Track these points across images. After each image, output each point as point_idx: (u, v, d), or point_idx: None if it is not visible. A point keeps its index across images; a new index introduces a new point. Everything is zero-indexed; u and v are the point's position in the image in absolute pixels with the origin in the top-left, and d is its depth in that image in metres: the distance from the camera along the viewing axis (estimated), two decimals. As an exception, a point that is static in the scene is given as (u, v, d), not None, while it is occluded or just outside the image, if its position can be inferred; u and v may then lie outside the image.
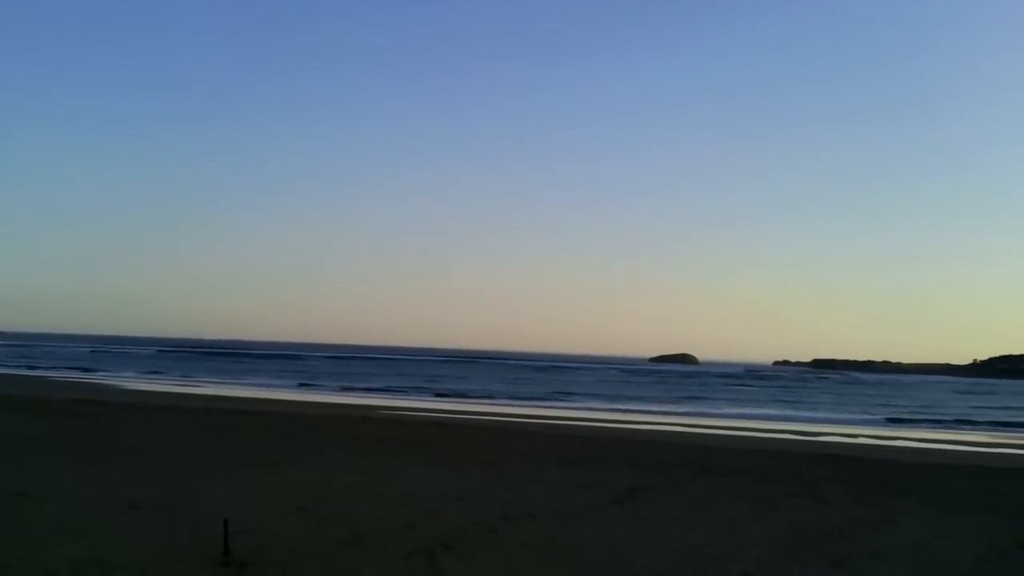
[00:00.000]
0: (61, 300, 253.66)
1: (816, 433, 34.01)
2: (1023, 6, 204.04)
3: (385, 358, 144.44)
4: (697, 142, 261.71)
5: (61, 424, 21.62)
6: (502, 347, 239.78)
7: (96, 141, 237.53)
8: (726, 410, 50.30)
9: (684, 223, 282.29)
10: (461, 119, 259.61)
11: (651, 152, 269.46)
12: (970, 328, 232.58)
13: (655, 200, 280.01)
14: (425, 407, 41.29)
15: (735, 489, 14.93)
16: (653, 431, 31.73)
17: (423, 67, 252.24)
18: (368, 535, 9.54)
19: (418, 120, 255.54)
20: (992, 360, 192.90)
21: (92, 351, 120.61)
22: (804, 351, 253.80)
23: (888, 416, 48.28)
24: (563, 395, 58.99)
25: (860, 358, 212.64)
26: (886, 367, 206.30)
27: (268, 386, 57.48)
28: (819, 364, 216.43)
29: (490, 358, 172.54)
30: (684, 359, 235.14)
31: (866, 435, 34.15)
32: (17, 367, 68.83)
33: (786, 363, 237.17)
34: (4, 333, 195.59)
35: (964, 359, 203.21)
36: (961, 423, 45.69)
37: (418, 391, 57.74)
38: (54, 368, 70.18)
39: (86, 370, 69.05)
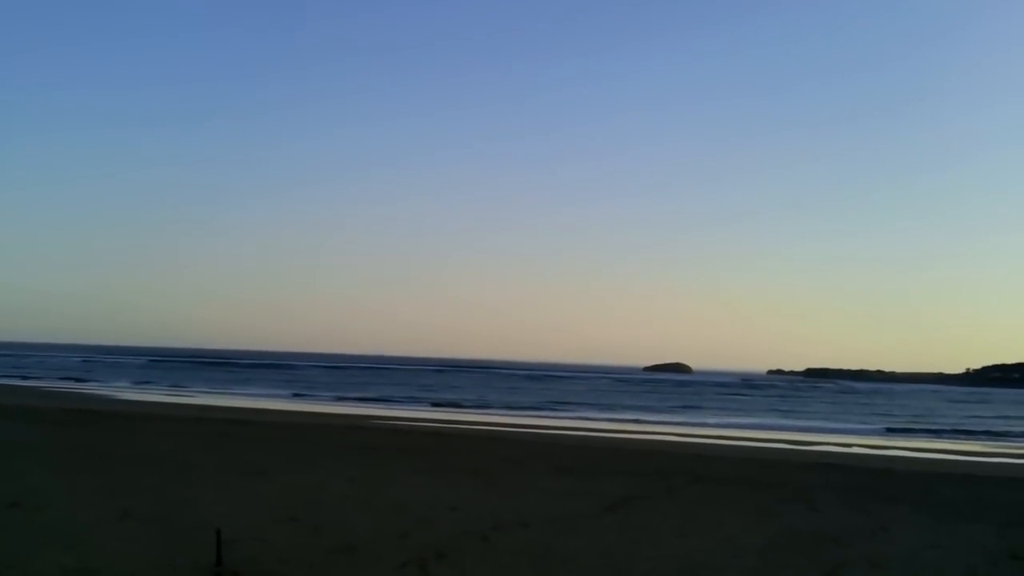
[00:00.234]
0: (50, 309, 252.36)
1: (809, 442, 34.03)
2: (1019, 4, 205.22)
3: (377, 367, 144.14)
4: (690, 146, 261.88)
5: (53, 433, 21.54)
6: (494, 356, 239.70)
7: (87, 144, 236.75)
8: (723, 419, 50.22)
9: (677, 231, 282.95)
10: (453, 124, 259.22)
11: (646, 156, 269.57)
12: (962, 338, 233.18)
13: (648, 207, 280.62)
14: (418, 416, 41.22)
15: (729, 497, 14.95)
16: (647, 440, 31.73)
17: (416, 67, 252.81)
18: (361, 544, 9.52)
19: (410, 124, 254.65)
20: (985, 369, 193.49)
21: (83, 360, 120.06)
22: (797, 360, 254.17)
23: (887, 426, 48.25)
24: (557, 404, 58.85)
25: (853, 367, 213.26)
26: (879, 376, 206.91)
27: (260, 395, 57.30)
28: (812, 373, 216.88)
29: (482, 367, 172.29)
30: (677, 368, 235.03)
31: (861, 444, 34.20)
32: (8, 376, 68.51)
33: (779, 372, 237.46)
34: None
35: (957, 368, 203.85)
36: (958, 433, 45.64)
37: (411, 400, 57.65)
38: (45, 377, 69.84)
39: (78, 380, 68.78)
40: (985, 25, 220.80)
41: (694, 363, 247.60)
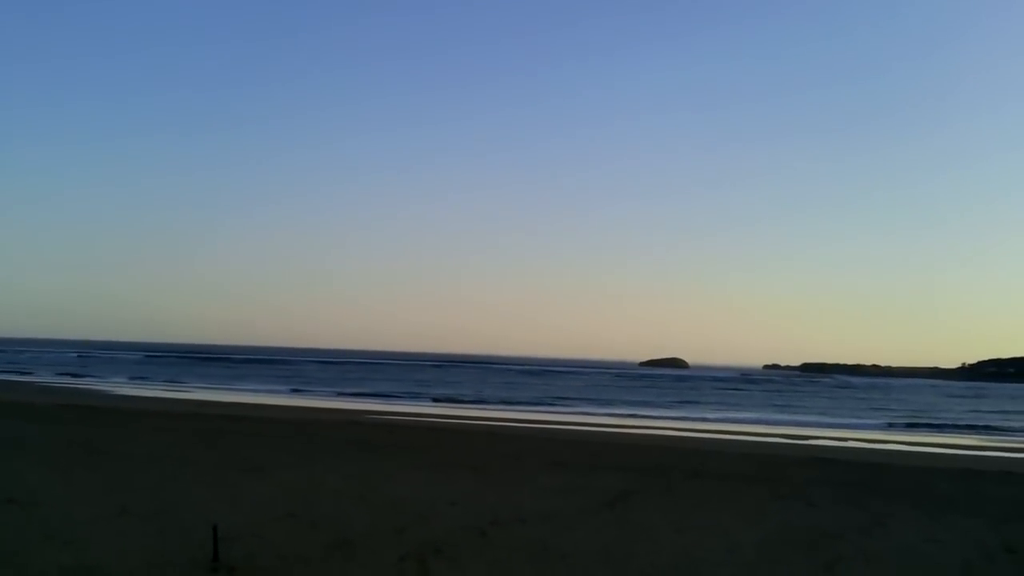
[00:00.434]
0: (46, 305, 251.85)
1: (806, 437, 34.08)
2: (1018, 7, 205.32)
3: (374, 363, 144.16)
4: (689, 146, 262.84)
5: (49, 430, 21.50)
6: (491, 351, 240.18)
7: (85, 144, 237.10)
8: (721, 414, 50.26)
9: (673, 227, 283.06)
10: (456, 124, 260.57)
11: (643, 156, 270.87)
12: (958, 332, 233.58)
13: (644, 204, 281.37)
14: (415, 411, 41.24)
15: (726, 493, 14.96)
16: (644, 435, 31.76)
17: (418, 72, 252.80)
18: (358, 540, 9.52)
19: (412, 124, 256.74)
20: (980, 364, 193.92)
21: (79, 356, 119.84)
22: (793, 355, 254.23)
23: (888, 421, 48.17)
24: (555, 400, 58.86)
25: (849, 362, 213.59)
26: (875, 371, 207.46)
27: (257, 391, 57.31)
28: (809, 368, 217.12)
29: (480, 362, 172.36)
30: (674, 363, 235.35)
31: (858, 439, 34.25)
32: (4, 372, 68.42)
33: (776, 367, 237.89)
34: None
35: (952, 363, 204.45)
36: (960, 428, 45.52)
37: (408, 396, 57.64)
38: (41, 373, 69.76)
39: (75, 375, 68.71)
40: (983, 29, 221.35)
41: (690, 358, 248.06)
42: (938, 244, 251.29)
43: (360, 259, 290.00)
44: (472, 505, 12.27)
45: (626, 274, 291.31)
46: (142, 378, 68.49)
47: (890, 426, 45.01)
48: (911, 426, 45.48)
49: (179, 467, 15.14)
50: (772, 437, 33.12)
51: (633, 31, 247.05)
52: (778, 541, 10.70)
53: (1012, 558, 10.22)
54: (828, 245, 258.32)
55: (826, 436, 35.01)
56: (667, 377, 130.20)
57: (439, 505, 12.12)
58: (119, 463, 15.43)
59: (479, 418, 37.47)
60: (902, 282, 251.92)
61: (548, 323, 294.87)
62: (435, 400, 53.98)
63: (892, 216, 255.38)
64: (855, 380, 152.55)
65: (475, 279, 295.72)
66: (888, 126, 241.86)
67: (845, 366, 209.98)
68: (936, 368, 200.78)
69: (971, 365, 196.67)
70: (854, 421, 47.75)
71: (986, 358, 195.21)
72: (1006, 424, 48.95)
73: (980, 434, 41.86)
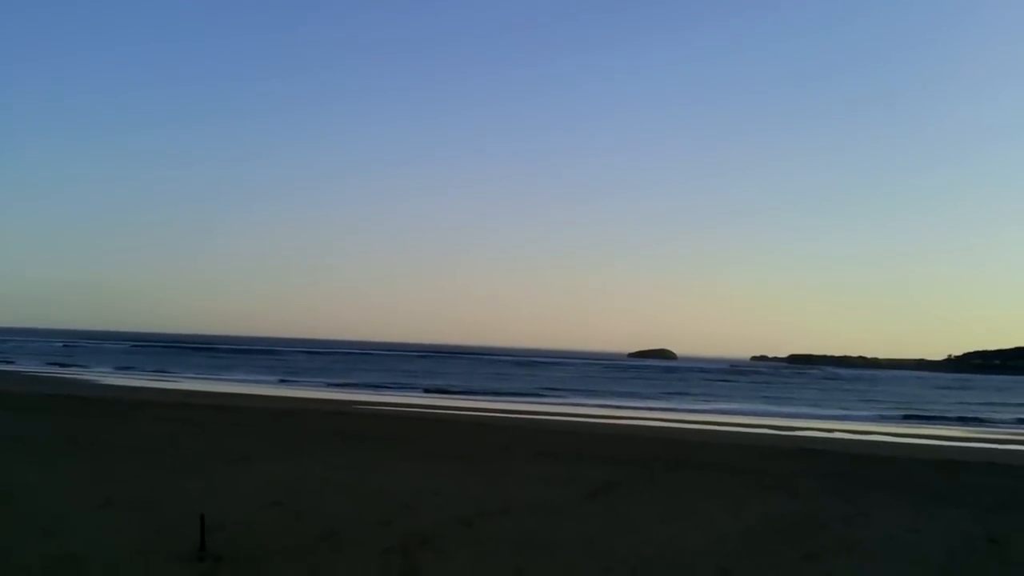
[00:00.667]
0: (31, 294, 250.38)
1: (792, 428, 34.24)
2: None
3: (362, 353, 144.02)
4: (679, 140, 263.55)
5: (35, 420, 21.42)
6: (481, 342, 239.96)
7: (73, 136, 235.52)
8: (711, 405, 50.37)
9: (662, 220, 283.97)
10: (449, 118, 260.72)
11: (634, 150, 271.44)
12: (943, 325, 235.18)
13: (634, 198, 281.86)
14: (402, 402, 41.24)
15: (710, 483, 15.03)
16: (631, 426, 31.86)
17: (414, 66, 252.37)
18: (343, 530, 9.53)
19: (407, 119, 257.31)
20: (966, 356, 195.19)
21: (64, 345, 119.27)
22: (781, 346, 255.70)
23: (880, 413, 48.34)
24: (545, 391, 58.87)
25: (836, 353, 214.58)
26: (862, 362, 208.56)
27: (243, 381, 57.19)
28: (796, 359, 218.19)
29: (468, 353, 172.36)
30: (662, 354, 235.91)
31: (844, 430, 34.44)
32: (-11, 362, 68.06)
33: (763, 358, 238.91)
34: None
35: (938, 355, 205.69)
36: (953, 420, 45.49)
37: (396, 386, 57.63)
38: (26, 363, 69.38)
39: (61, 365, 68.37)
40: (978, 25, 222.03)
41: (678, 349, 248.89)
42: (924, 237, 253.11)
43: (350, 251, 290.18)
44: (458, 496, 12.29)
45: (615, 266, 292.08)
46: (128, 368, 68.25)
47: (883, 418, 45.05)
48: (907, 418, 45.54)
49: (165, 457, 15.10)
50: (759, 428, 33.25)
51: (628, 24, 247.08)
52: (762, 531, 10.76)
53: (995, 548, 10.31)
54: (815, 238, 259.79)
55: (812, 427, 35.18)
56: (655, 368, 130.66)
57: (425, 496, 12.13)
58: (105, 453, 15.38)
59: (467, 409, 37.50)
60: (888, 275, 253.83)
61: (538, 314, 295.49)
62: (425, 391, 53.94)
63: (879, 210, 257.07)
64: (842, 372, 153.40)
65: (465, 271, 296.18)
66: (877, 120, 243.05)
67: (832, 358, 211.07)
68: (922, 360, 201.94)
69: (957, 357, 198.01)
70: (847, 413, 47.96)
71: (971, 350, 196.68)
72: (995, 416, 49.21)
73: (970, 426, 42.05)
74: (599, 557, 8.95)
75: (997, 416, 49.19)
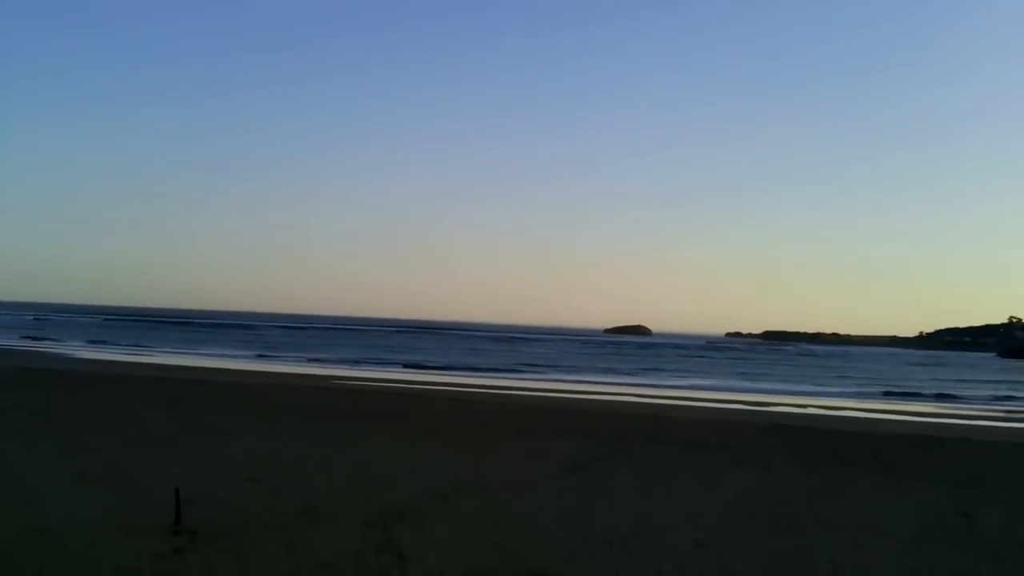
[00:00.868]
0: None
1: (767, 403, 34.54)
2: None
3: (339, 328, 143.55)
4: (651, 118, 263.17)
5: (7, 394, 21.19)
6: (458, 318, 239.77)
7: (47, 106, 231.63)
8: (690, 381, 50.60)
9: (637, 197, 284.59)
10: (425, 93, 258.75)
11: (608, 129, 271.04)
12: (915, 302, 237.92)
13: (608, 176, 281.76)
14: (380, 377, 41.17)
15: (686, 459, 15.14)
16: (607, 401, 32.01)
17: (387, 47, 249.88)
18: (321, 505, 9.52)
19: (386, 95, 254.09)
20: (937, 333, 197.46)
21: (35, 319, 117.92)
22: (755, 323, 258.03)
23: (862, 389, 48.57)
24: (523, 367, 58.91)
25: (810, 330, 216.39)
26: (835, 339, 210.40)
27: (220, 356, 56.85)
28: (770, 336, 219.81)
29: (445, 329, 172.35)
30: (638, 330, 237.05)
31: (817, 406, 34.78)
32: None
33: (738, 335, 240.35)
34: None
35: (910, 332, 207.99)
36: (933, 396, 45.75)
37: (373, 362, 57.46)
38: (-1, 337, 68.60)
39: (33, 338, 67.61)
40: (951, 8, 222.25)
41: (653, 326, 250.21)
42: (896, 216, 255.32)
43: (327, 226, 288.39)
44: (436, 471, 12.31)
45: (592, 243, 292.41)
46: (102, 342, 67.57)
47: (858, 394, 45.13)
48: (884, 395, 45.73)
49: (141, 432, 15.01)
50: (734, 404, 33.51)
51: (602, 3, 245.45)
52: (736, 506, 10.85)
53: (966, 523, 10.45)
54: (788, 216, 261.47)
55: (787, 403, 35.49)
56: (632, 344, 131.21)
57: (403, 470, 12.14)
58: (80, 427, 15.26)
59: (445, 384, 37.51)
60: (860, 253, 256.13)
61: (514, 290, 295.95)
62: (404, 366, 53.82)
63: (851, 188, 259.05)
64: (816, 348, 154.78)
65: (443, 247, 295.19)
66: (848, 99, 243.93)
67: (806, 334, 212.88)
68: (894, 337, 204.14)
69: (928, 334, 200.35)
70: (823, 389, 48.04)
71: (942, 327, 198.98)
72: (969, 392, 49.69)
73: (945, 402, 42.41)
74: (576, 532, 9.00)
75: (971, 393, 49.74)
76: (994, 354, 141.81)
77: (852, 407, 35.33)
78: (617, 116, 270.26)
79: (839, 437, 20.96)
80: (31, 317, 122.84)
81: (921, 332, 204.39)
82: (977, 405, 41.16)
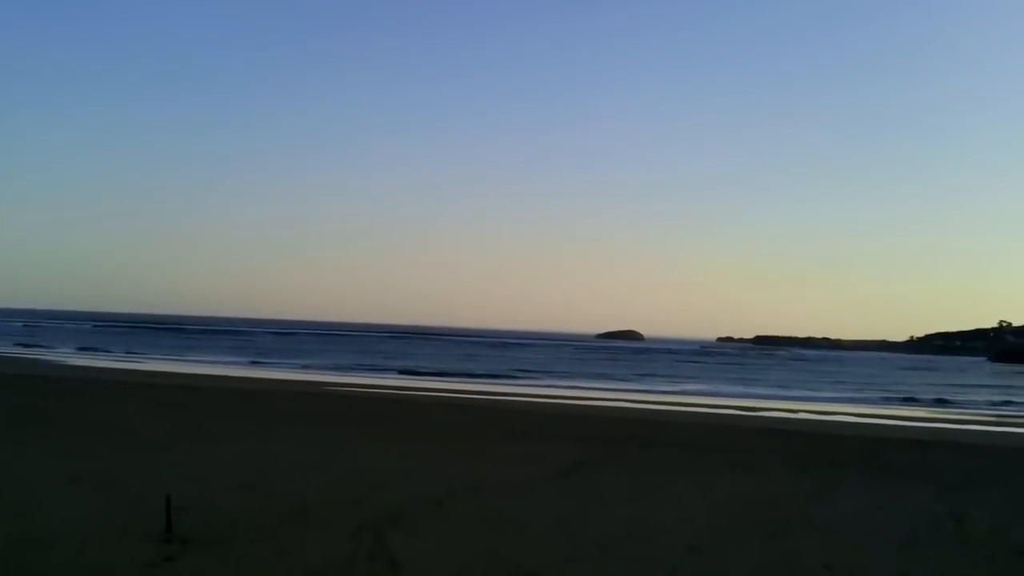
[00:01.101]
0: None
1: (760, 408, 34.56)
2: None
3: (331, 334, 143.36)
4: (643, 118, 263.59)
5: (-3, 400, 21.09)
6: (451, 324, 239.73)
7: (35, 108, 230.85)
8: (687, 387, 50.47)
9: (629, 201, 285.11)
10: (414, 94, 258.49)
11: (599, 128, 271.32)
12: (905, 306, 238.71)
13: (600, 177, 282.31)
14: (372, 383, 41.09)
15: (680, 462, 15.14)
16: (600, 406, 31.99)
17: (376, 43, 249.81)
18: (313, 510, 9.49)
19: (374, 93, 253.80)
20: (928, 337, 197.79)
21: (25, 325, 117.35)
22: (746, 328, 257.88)
23: (857, 394, 48.12)
24: (514, 372, 58.75)
25: (801, 335, 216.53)
26: (826, 343, 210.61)
27: (212, 362, 56.65)
28: (762, 340, 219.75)
29: (437, 334, 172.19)
30: (630, 335, 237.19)
31: (808, 410, 34.80)
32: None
33: (729, 339, 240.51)
34: None
35: (901, 336, 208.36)
36: (935, 402, 45.12)
37: (366, 367, 57.30)
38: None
39: (24, 345, 67.30)
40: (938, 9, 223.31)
41: (645, 330, 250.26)
42: (886, 220, 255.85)
43: (319, 231, 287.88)
44: (429, 475, 12.28)
45: (584, 247, 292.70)
46: (93, 348, 67.25)
47: (855, 399, 44.40)
48: (880, 400, 45.07)
49: (132, 437, 14.96)
50: (728, 409, 33.51)
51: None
52: (730, 509, 10.86)
53: (958, 526, 10.47)
54: (780, 220, 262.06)
55: (781, 408, 35.51)
56: (625, 350, 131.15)
57: (395, 475, 12.11)
58: (70, 433, 15.19)
59: (438, 390, 37.47)
60: (850, 257, 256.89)
61: (506, 296, 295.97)
62: (395, 372, 53.69)
63: (841, 192, 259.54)
64: (808, 353, 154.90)
65: (435, 252, 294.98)
66: (840, 99, 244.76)
67: (797, 339, 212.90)
68: (885, 341, 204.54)
69: (919, 338, 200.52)
70: (818, 395, 47.06)
71: (933, 331, 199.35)
72: (963, 397, 49.37)
73: (940, 407, 42.18)
74: (569, 535, 8.99)
75: (967, 397, 49.63)
76: (984, 358, 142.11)
77: (845, 411, 35.37)
78: (609, 116, 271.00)
79: (832, 441, 21.01)
80: (21, 324, 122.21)
81: (912, 336, 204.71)
82: (970, 409, 41.23)
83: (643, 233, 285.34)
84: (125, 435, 15.24)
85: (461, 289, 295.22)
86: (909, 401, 45.28)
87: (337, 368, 55.39)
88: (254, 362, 58.63)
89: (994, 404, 45.40)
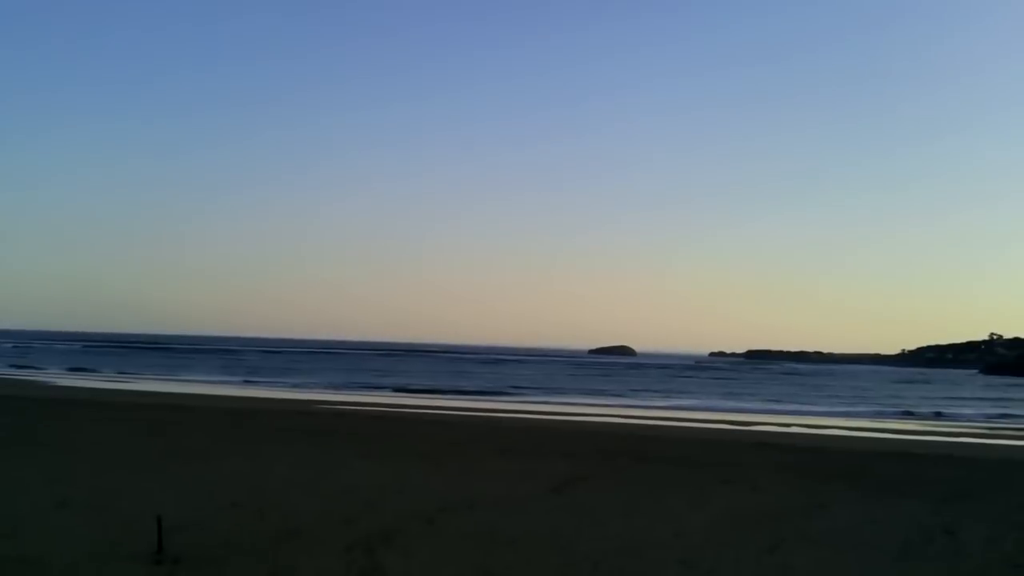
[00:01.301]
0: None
1: (753, 422, 34.57)
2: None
3: (323, 352, 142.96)
4: (631, 131, 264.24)
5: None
6: (439, 340, 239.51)
7: (25, 126, 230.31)
8: (682, 401, 50.39)
9: (620, 217, 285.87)
10: (406, 111, 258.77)
11: (589, 143, 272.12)
12: (896, 319, 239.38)
13: (591, 193, 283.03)
14: (364, 400, 40.99)
15: (673, 477, 15.14)
16: (593, 421, 31.96)
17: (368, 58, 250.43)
18: (305, 529, 9.44)
19: (366, 109, 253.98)
20: (920, 350, 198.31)
21: (14, 346, 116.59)
22: (738, 342, 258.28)
23: (889, 411, 47.63)
24: (507, 388, 58.55)
25: (793, 348, 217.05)
26: (819, 357, 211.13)
27: (202, 381, 56.42)
28: (754, 355, 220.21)
29: (430, 351, 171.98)
30: (622, 350, 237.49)
31: (800, 424, 34.82)
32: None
33: (721, 354, 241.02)
34: None
35: (892, 349, 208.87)
36: (936, 416, 44.94)
37: (358, 385, 57.16)
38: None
39: (15, 366, 66.90)
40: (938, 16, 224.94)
41: (637, 345, 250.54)
42: (876, 233, 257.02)
43: (310, 249, 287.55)
44: (421, 492, 12.25)
45: (575, 263, 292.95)
46: (82, 369, 66.80)
47: (854, 414, 44.34)
48: (902, 414, 45.05)
49: (122, 457, 14.88)
50: (722, 424, 33.49)
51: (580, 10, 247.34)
52: (724, 524, 10.85)
53: (950, 539, 10.47)
54: (770, 234, 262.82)
55: (774, 422, 35.52)
56: (618, 365, 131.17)
57: (388, 493, 12.07)
58: (60, 454, 15.11)
59: (429, 407, 37.38)
60: (841, 270, 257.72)
61: (498, 312, 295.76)
62: (387, 389, 53.55)
63: (831, 205, 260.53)
64: (801, 367, 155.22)
65: (427, 269, 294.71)
66: (828, 111, 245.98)
67: (789, 353, 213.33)
68: (877, 354, 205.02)
69: (911, 351, 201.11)
70: (814, 409, 46.82)
71: (924, 344, 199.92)
72: (963, 411, 49.10)
73: (940, 420, 41.96)
74: (562, 551, 8.97)
75: (958, 410, 49.55)
76: (976, 371, 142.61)
77: (838, 425, 35.41)
78: (599, 131, 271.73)
79: (825, 454, 21.03)
80: (10, 345, 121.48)
81: (903, 349, 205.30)
82: (963, 422, 41.28)
83: (635, 248, 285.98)
84: (116, 455, 15.16)
85: (453, 306, 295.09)
86: (904, 415, 45.25)
87: (329, 386, 55.19)
88: (246, 381, 58.36)
89: (989, 417, 45.45)
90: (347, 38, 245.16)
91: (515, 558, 8.63)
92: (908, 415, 45.04)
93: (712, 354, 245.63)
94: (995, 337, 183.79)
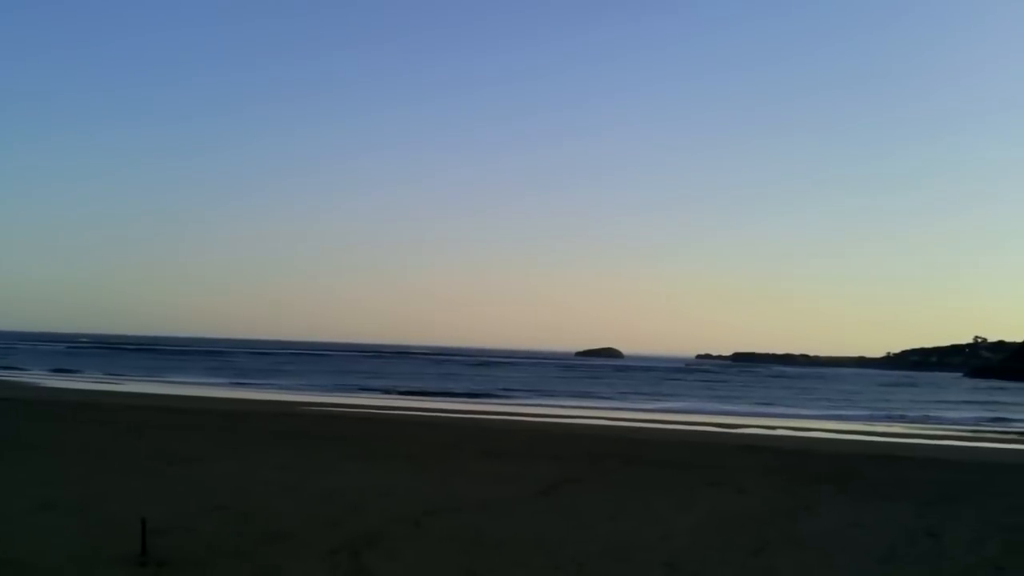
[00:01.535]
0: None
1: (738, 425, 34.66)
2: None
3: (311, 353, 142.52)
4: (619, 135, 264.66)
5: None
6: (426, 342, 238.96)
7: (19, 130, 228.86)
8: (669, 404, 50.39)
9: (606, 219, 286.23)
10: (396, 114, 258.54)
11: (576, 146, 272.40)
12: (881, 322, 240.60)
13: (577, 195, 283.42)
14: (350, 402, 40.88)
15: (660, 480, 15.16)
16: (579, 424, 32.00)
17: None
18: (290, 532, 9.41)
19: (352, 115, 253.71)
20: (904, 353, 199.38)
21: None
22: (724, 345, 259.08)
23: (879, 414, 47.71)
24: (494, 390, 58.53)
25: (779, 351, 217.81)
26: (804, 360, 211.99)
27: (188, 383, 56.16)
28: (740, 358, 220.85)
29: (418, 353, 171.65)
30: (609, 353, 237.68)
31: (786, 427, 34.93)
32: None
33: (708, 356, 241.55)
34: None
35: (877, 352, 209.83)
36: (925, 420, 44.91)
37: (345, 387, 57.01)
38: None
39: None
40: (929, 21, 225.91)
41: (624, 348, 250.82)
42: (861, 237, 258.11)
43: (299, 251, 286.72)
44: (407, 495, 12.22)
45: (562, 265, 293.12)
46: (67, 370, 66.46)
47: (847, 417, 44.38)
48: (890, 418, 44.92)
49: (107, 460, 14.80)
50: (709, 426, 33.55)
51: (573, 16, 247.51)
52: (710, 527, 10.87)
53: (934, 542, 10.51)
54: (755, 237, 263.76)
55: (760, 424, 35.61)
56: (605, 367, 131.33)
57: (374, 496, 12.05)
58: (45, 456, 15.01)
59: (416, 409, 37.32)
60: (827, 273, 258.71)
61: (485, 314, 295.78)
62: (374, 391, 53.43)
63: (817, 209, 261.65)
64: (788, 370, 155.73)
65: (415, 271, 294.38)
66: (816, 114, 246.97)
67: (775, 356, 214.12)
68: (862, 357, 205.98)
69: (895, 355, 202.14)
70: (800, 412, 46.78)
71: (909, 347, 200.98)
72: (950, 414, 49.26)
73: (926, 423, 42.06)
74: (548, 554, 8.96)
75: (944, 413, 49.83)
76: (961, 374, 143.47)
77: (824, 428, 35.54)
78: (585, 137, 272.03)
79: (811, 457, 21.08)
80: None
81: (888, 352, 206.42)
82: (948, 425, 41.46)
83: (621, 251, 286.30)
84: (100, 458, 15.08)
85: (441, 308, 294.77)
86: (890, 417, 45.37)
87: (316, 388, 55.05)
88: (233, 383, 58.10)
89: (975, 420, 45.68)
90: (345, 43, 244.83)
91: (501, 561, 8.62)
92: (895, 418, 45.19)
93: (699, 356, 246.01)
94: (979, 340, 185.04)
